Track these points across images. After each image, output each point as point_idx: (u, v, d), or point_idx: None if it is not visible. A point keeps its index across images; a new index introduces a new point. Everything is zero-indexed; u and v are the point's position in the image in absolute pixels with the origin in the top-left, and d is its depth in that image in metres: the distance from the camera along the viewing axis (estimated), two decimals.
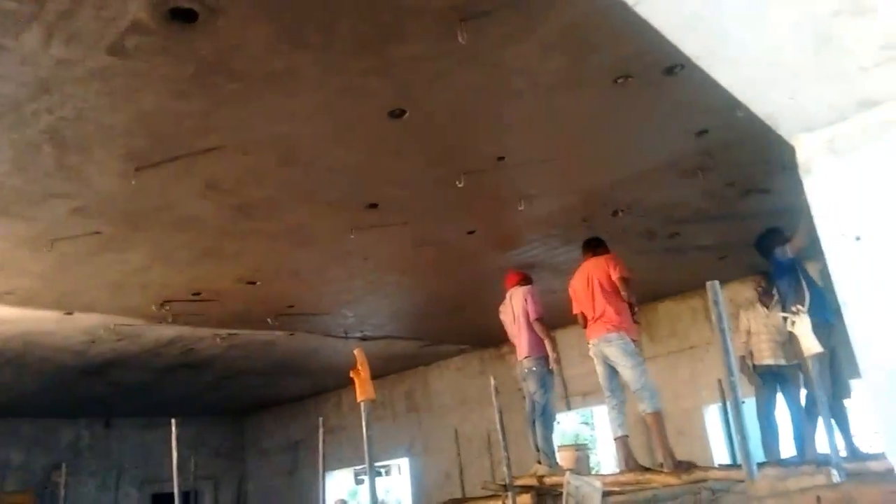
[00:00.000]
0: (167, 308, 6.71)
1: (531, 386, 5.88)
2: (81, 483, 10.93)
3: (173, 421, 6.04)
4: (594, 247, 5.40)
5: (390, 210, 5.15)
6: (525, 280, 6.08)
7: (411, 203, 5.11)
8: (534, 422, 5.97)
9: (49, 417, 11.19)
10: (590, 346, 5.16)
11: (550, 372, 5.90)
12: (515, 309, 5.94)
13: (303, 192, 4.71)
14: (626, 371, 4.96)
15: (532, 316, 5.78)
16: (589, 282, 5.20)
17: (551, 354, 5.72)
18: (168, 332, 7.57)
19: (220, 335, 7.96)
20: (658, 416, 4.90)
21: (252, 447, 13.70)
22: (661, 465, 5.28)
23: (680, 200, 5.49)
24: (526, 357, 5.82)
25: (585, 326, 5.26)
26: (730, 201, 5.59)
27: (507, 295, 6.08)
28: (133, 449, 11.94)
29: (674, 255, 6.69)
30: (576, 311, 5.33)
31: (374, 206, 5.03)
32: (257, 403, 12.84)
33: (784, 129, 1.58)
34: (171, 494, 6.04)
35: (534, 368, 5.80)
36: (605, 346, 5.03)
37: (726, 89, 1.51)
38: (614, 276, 5.09)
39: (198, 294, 6.54)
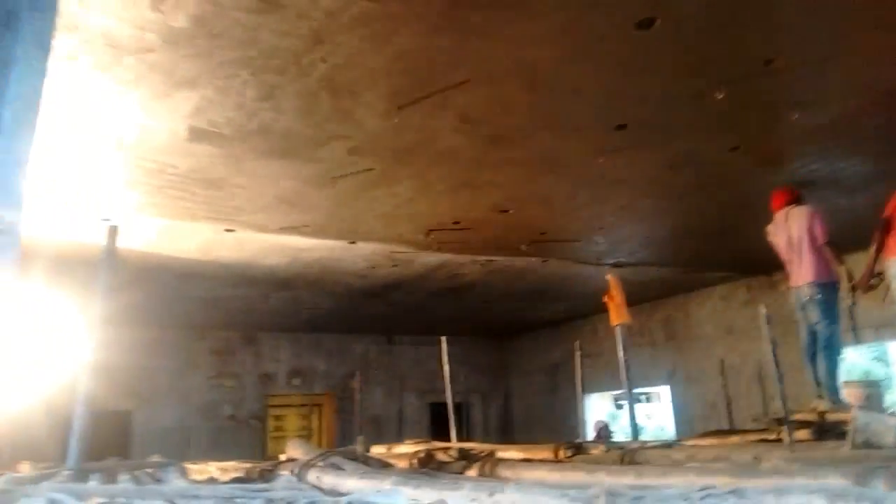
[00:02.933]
0: (432, 236, 7.28)
1: (813, 315, 5.30)
2: (371, 390, 12.61)
3: (443, 339, 6.64)
4: None
5: (640, 130, 4.90)
6: (799, 199, 5.43)
7: (663, 121, 4.80)
8: (813, 355, 5.42)
9: (343, 333, 13.00)
10: None
11: (837, 299, 5.26)
12: (794, 231, 5.33)
13: (549, 118, 4.69)
14: None
15: (821, 239, 5.15)
16: None
17: (845, 283, 5.08)
18: (434, 258, 8.22)
19: (479, 261, 8.44)
20: None
21: (514, 367, 14.50)
22: None
23: None
24: (808, 283, 5.25)
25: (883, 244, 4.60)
26: None
27: (780, 215, 5.48)
28: (411, 363, 13.39)
29: None
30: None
31: (622, 127, 4.83)
32: (517, 326, 13.48)
33: None
34: (445, 404, 6.70)
35: (817, 296, 5.21)
36: None
37: None
38: None
39: (457, 223, 6.96)
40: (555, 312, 12.00)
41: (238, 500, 1.50)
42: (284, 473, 3.32)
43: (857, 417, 3.10)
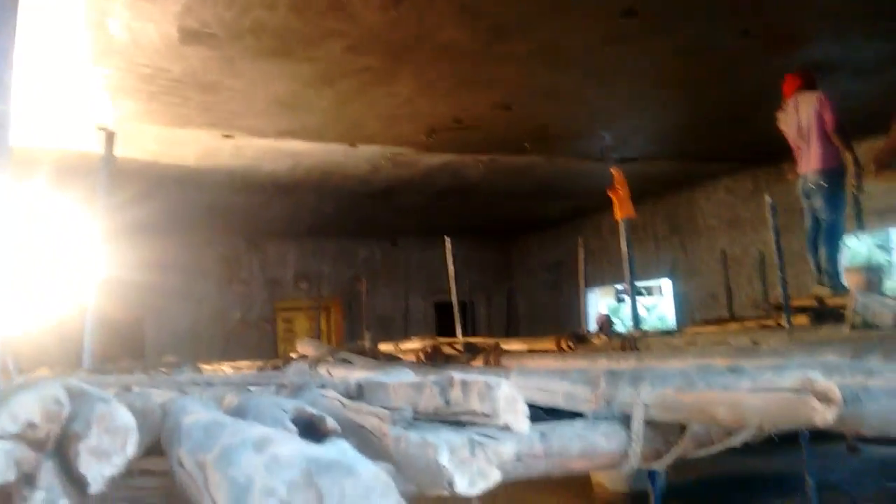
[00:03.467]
0: (434, 136, 7.17)
1: (817, 202, 5.29)
2: (378, 292, 12.84)
3: (447, 239, 6.67)
4: None
5: (648, 15, 4.70)
6: (812, 83, 5.27)
7: (672, 4, 4.60)
8: (815, 242, 5.45)
9: (348, 237, 13.11)
10: None
11: (842, 187, 5.22)
12: (802, 117, 5.22)
13: (553, 5, 4.49)
14: None
15: (831, 125, 5.04)
16: None
17: (852, 169, 5.02)
18: (437, 159, 8.14)
19: (482, 160, 8.36)
20: None
21: (518, 265, 14.68)
22: None
23: None
24: (814, 170, 5.19)
25: None
26: None
27: (791, 101, 5.35)
28: (416, 264, 13.57)
29: None
30: None
31: (630, 12, 4.63)
32: (521, 225, 13.53)
33: None
34: (450, 304, 6.81)
35: (822, 183, 5.17)
36: None
37: None
38: None
39: (459, 121, 6.84)
40: (559, 210, 12.01)
41: (250, 387, 1.55)
42: (297, 365, 3.43)
43: (857, 299, 3.14)
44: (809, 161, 5.18)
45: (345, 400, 1.24)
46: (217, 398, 1.54)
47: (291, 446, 0.67)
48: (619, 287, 12.22)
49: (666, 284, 11.88)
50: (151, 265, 10.89)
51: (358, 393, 1.33)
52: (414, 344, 6.11)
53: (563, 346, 4.80)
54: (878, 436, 1.53)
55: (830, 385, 1.36)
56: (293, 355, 5.28)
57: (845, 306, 3.80)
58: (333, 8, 4.31)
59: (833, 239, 5.30)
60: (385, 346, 6.53)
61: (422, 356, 4.54)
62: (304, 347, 4.89)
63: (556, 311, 12.79)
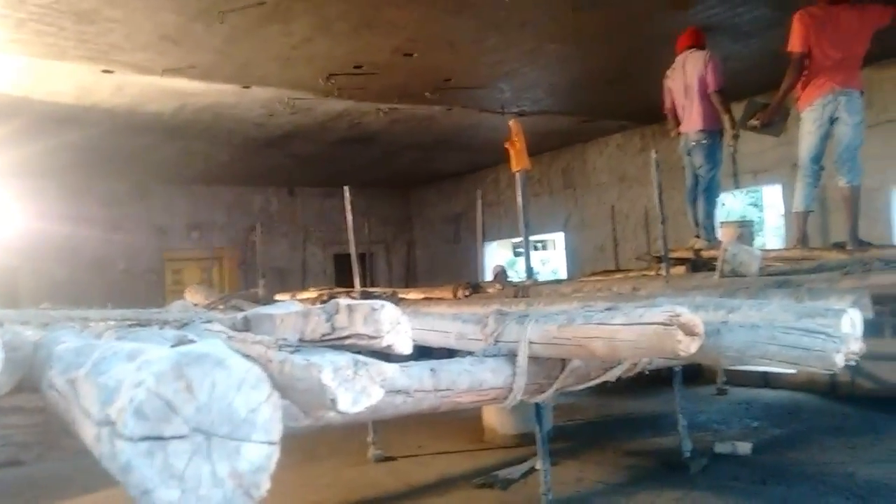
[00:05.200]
0: (333, 81, 6.97)
1: (697, 160, 5.62)
2: (275, 242, 12.53)
3: (346, 189, 6.57)
4: None
5: None
6: (702, 43, 5.53)
7: None
8: (695, 198, 5.81)
9: (242, 185, 12.64)
10: (820, 102, 4.66)
11: (720, 146, 5.57)
12: (689, 76, 5.48)
13: None
14: (850, 130, 4.58)
15: (712, 86, 5.33)
16: (848, 32, 4.61)
17: (729, 130, 5.35)
18: (336, 105, 7.93)
19: (382, 109, 8.23)
20: (858, 189, 4.66)
21: (418, 217, 14.75)
22: (836, 246, 5.07)
23: None
24: (696, 130, 5.50)
25: (805, 80, 4.72)
26: None
27: (680, 59, 5.59)
28: (315, 215, 13.33)
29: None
30: (816, 57, 4.68)
31: None
32: (421, 177, 13.53)
33: None
34: (349, 255, 6.76)
35: (703, 141, 5.50)
36: (844, 99, 4.59)
37: None
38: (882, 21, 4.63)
39: (359, 67, 6.68)
40: (458, 163, 12.09)
41: (130, 324, 1.48)
42: (181, 301, 3.32)
43: (726, 249, 3.39)
44: (692, 120, 5.48)
45: (230, 331, 1.22)
46: (96, 335, 1.47)
47: (164, 350, 0.65)
48: (516, 241, 12.56)
49: (559, 238, 12.32)
50: (27, 211, 10.14)
51: (244, 325, 1.31)
52: (310, 294, 6.05)
53: (459, 294, 4.91)
54: (735, 364, 1.68)
55: (694, 318, 1.48)
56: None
57: (717, 257, 4.10)
58: None
59: (710, 195, 5.68)
60: (281, 296, 6.43)
61: (318, 305, 4.52)
62: (194, 295, 4.73)
63: (454, 263, 13.00)
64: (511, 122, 6.41)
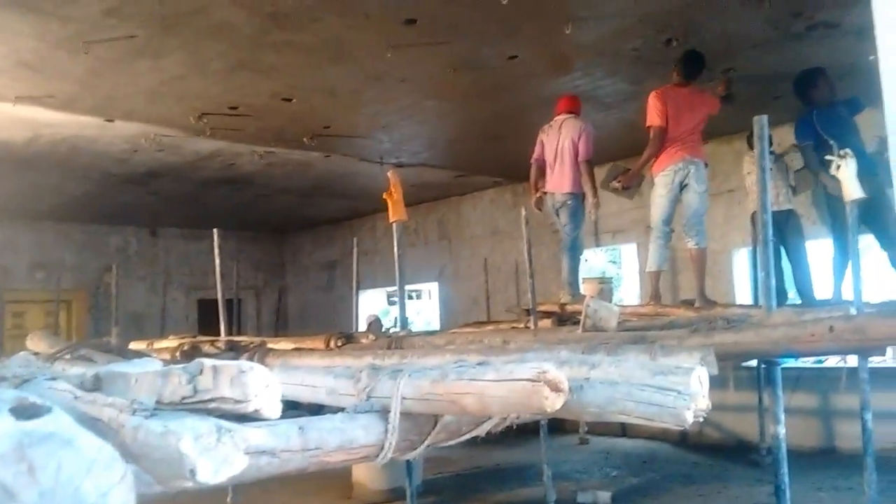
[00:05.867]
0: (205, 121, 6.74)
1: (563, 219, 5.94)
2: (132, 286, 11.71)
3: (215, 231, 6.30)
4: (695, 70, 5.19)
5: (429, 27, 4.91)
6: (578, 111, 5.92)
7: (451, 20, 4.85)
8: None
9: (97, 223, 11.76)
10: (672, 168, 5.10)
11: (583, 208, 5.93)
12: (563, 139, 5.82)
13: (339, 2, 4.49)
14: (697, 197, 5.02)
15: (583, 155, 5.71)
16: (694, 110, 5.10)
17: (591, 199, 5.72)
18: (207, 145, 7.65)
19: (258, 152, 8.05)
20: (704, 252, 5.09)
21: (291, 263, 14.38)
22: (685, 303, 5.50)
23: (739, 30, 5.12)
24: (563, 192, 5.82)
25: (661, 150, 5.15)
26: (793, 35, 5.20)
27: (557, 120, 5.94)
28: (179, 257, 12.63)
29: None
30: (670, 130, 5.12)
31: (412, 21, 4.80)
32: (296, 222, 13.27)
33: None
34: (215, 300, 6.44)
35: (569, 202, 5.83)
36: (692, 168, 5.04)
37: None
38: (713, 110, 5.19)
39: (235, 108, 6.52)
40: (335, 209, 11.99)
41: None
42: (23, 354, 3.00)
43: (588, 305, 3.57)
44: (561, 182, 5.80)
45: (78, 391, 1.11)
46: None
47: (3, 425, 0.58)
48: (391, 290, 12.54)
49: (434, 288, 12.45)
50: None
51: (95, 385, 1.20)
52: (170, 342, 5.68)
53: (332, 344, 4.80)
54: (597, 420, 1.75)
55: (560, 375, 1.53)
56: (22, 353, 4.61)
57: (581, 312, 4.31)
58: None
59: (573, 252, 6.01)
60: (136, 345, 5.99)
61: (178, 355, 4.23)
62: (37, 342, 4.29)
63: (328, 311, 12.75)
64: (389, 174, 6.49)
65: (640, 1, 4.67)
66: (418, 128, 7.52)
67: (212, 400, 0.90)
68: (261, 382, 0.90)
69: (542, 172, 6.11)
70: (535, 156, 6.12)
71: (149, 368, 1.17)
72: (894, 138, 1.41)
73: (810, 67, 5.32)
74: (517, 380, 1.57)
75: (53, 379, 1.22)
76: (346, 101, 6.53)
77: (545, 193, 6.07)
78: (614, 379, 1.65)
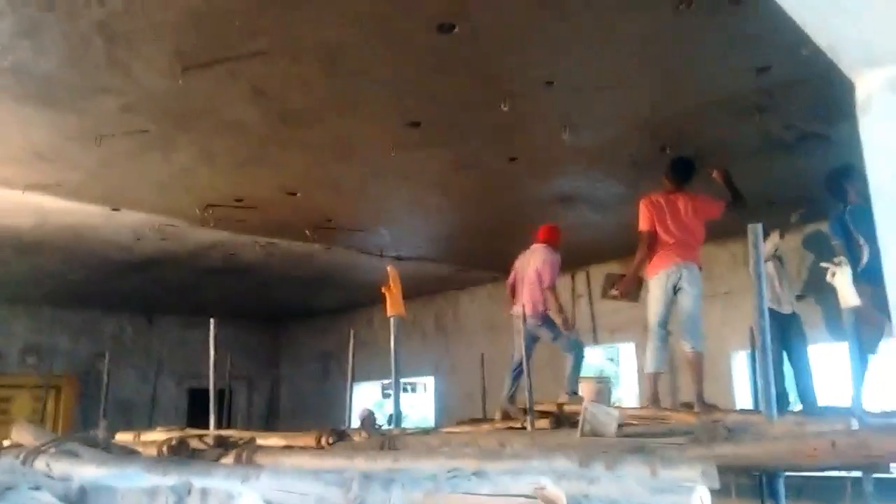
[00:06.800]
0: (210, 212, 6.85)
1: (545, 336, 6.04)
2: (123, 373, 11.51)
3: (212, 321, 6.27)
4: (684, 176, 5.27)
5: (433, 130, 5.09)
6: (555, 241, 6.15)
7: (454, 124, 5.04)
8: (518, 374, 6.23)
9: (94, 309, 11.73)
10: (664, 272, 5.14)
11: (553, 323, 6.03)
12: (530, 267, 6.10)
13: (346, 103, 4.68)
14: (691, 300, 5.02)
15: (545, 284, 5.95)
16: (686, 215, 5.17)
17: (560, 319, 5.86)
18: (210, 235, 7.75)
19: (260, 243, 8.14)
20: (701, 355, 5.05)
21: (286, 353, 14.21)
22: (684, 406, 5.40)
23: (732, 140, 5.31)
24: (533, 314, 5.94)
25: (652, 254, 5.20)
26: (786, 146, 5.38)
27: (532, 248, 6.20)
28: (173, 345, 12.49)
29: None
30: (660, 235, 5.19)
31: (416, 124, 4.98)
32: (293, 312, 13.23)
33: (846, 63, 1.49)
34: (207, 390, 6.32)
35: (540, 324, 5.96)
36: (685, 272, 5.06)
37: (792, 22, 1.42)
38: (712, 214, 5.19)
39: (240, 200, 6.65)
40: (333, 300, 11.99)
41: None
42: (6, 459, 2.91)
43: (587, 409, 3.51)
44: (526, 306, 5.93)
45: None
46: None
47: None
48: (386, 383, 12.36)
49: (430, 382, 12.26)
50: None
51: (79, 498, 1.16)
52: (158, 435, 5.53)
53: (323, 442, 4.67)
54: None
55: (558, 492, 1.49)
56: (6, 443, 4.47)
57: (579, 413, 4.23)
58: (113, 65, 4.05)
59: (576, 353, 6.03)
60: (123, 437, 5.82)
61: (165, 450, 4.10)
62: (21, 434, 4.16)
63: (321, 403, 12.49)
64: (389, 268, 6.55)
65: (635, 110, 4.87)
66: (419, 223, 7.65)
67: None
68: None
69: (514, 294, 6.39)
70: (509, 279, 6.46)
71: (135, 484, 1.14)
72: (889, 260, 1.44)
73: (843, 164, 5.03)
74: (513, 496, 1.53)
75: (37, 489, 1.19)
76: (349, 196, 6.68)
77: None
78: (614, 497, 1.60)
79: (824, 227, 5.78)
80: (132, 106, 4.60)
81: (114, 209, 6.76)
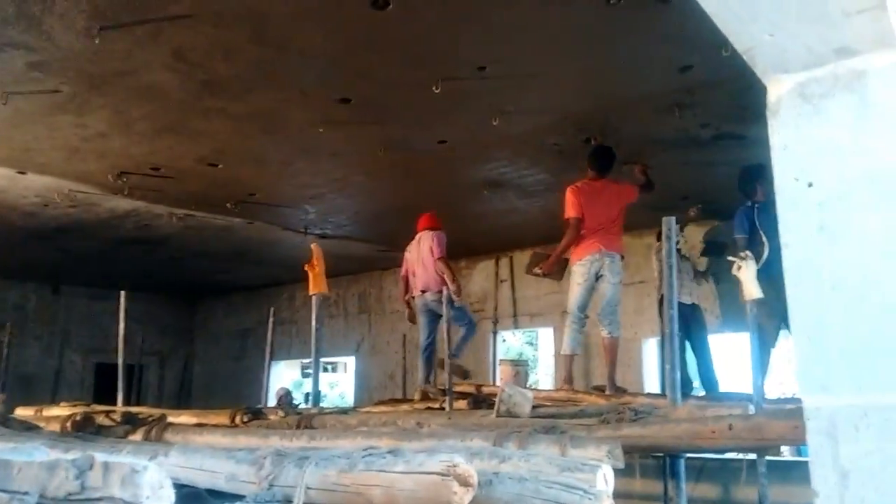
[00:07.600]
0: (124, 180, 6.55)
1: (446, 312, 6.19)
2: (26, 345, 10.93)
3: (122, 293, 6.02)
4: (606, 164, 5.43)
5: (363, 107, 5.03)
6: (437, 226, 6.48)
7: (385, 103, 5.00)
8: (429, 355, 6.50)
9: None
10: (588, 259, 5.30)
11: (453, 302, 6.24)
12: (423, 249, 6.42)
13: (274, 75, 4.55)
14: (611, 287, 5.21)
15: (437, 254, 6.28)
16: (609, 202, 5.35)
17: (452, 286, 6.06)
18: (124, 204, 7.42)
19: (176, 214, 7.85)
20: (617, 341, 5.26)
21: (201, 329, 13.82)
22: (596, 389, 5.61)
23: (652, 135, 5.50)
24: (433, 291, 6.30)
25: (578, 240, 5.36)
26: (702, 143, 5.62)
27: (418, 236, 6.52)
28: (80, 317, 11.92)
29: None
30: (586, 222, 5.35)
31: (346, 100, 4.91)
32: (210, 288, 12.85)
33: (760, 67, 1.57)
34: (116, 365, 6.08)
35: (439, 301, 6.15)
36: (608, 260, 5.25)
37: (714, 23, 1.48)
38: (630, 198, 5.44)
39: (157, 169, 6.39)
40: (253, 277, 11.71)
41: None
42: None
43: (503, 390, 3.59)
44: (427, 282, 6.32)
45: None
46: None
47: None
48: (306, 362, 12.22)
49: (350, 362, 12.21)
50: None
51: None
52: (61, 410, 5.29)
53: (237, 420, 4.58)
54: None
55: (470, 469, 1.52)
56: None
57: (496, 394, 4.32)
58: (23, 18, 3.79)
59: (468, 326, 6.31)
60: (23, 412, 5.54)
61: (68, 426, 3.93)
62: None
63: (237, 382, 12.21)
64: (313, 246, 6.45)
65: (562, 101, 4.97)
66: (345, 201, 7.56)
67: (100, 499, 0.85)
68: (154, 483, 0.86)
69: (407, 287, 6.72)
70: (401, 273, 6.76)
71: (35, 458, 1.09)
72: (790, 266, 1.52)
73: (756, 163, 5.20)
74: (426, 473, 1.55)
75: None
76: (274, 171, 6.52)
77: (413, 298, 6.61)
78: (523, 474, 1.65)
79: (722, 222, 6.13)
80: (44, 64, 4.33)
81: (19, 172, 6.36)
